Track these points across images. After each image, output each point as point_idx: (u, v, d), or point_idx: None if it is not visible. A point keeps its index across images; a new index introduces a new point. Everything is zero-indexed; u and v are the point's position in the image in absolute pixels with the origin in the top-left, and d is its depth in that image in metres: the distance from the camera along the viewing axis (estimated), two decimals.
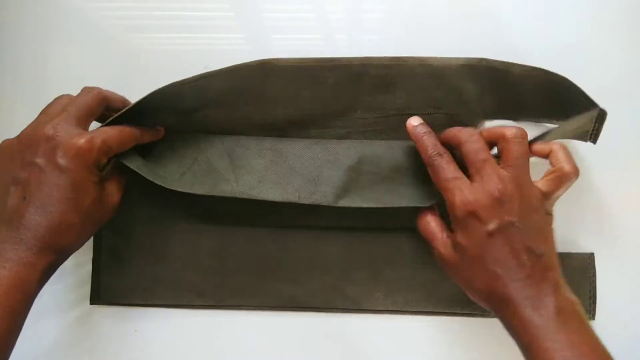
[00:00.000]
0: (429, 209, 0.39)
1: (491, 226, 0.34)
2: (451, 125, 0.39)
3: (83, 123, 0.35)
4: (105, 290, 0.42)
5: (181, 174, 0.40)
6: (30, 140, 0.34)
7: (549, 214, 0.36)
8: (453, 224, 0.36)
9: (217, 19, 0.44)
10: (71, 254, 0.35)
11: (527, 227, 0.34)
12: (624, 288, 0.43)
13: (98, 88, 0.38)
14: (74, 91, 0.43)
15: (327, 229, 0.43)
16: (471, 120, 0.41)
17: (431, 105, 0.41)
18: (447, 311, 0.42)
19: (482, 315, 0.42)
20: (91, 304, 0.43)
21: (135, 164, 0.37)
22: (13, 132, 0.40)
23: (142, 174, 0.37)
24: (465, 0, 0.44)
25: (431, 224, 0.38)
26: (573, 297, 0.34)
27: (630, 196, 0.44)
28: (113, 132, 0.36)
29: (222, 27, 0.44)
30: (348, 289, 0.42)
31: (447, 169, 0.36)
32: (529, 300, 0.33)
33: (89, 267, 0.43)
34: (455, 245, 0.36)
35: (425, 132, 0.38)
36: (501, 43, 0.43)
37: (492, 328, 0.42)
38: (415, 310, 0.42)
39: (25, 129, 0.35)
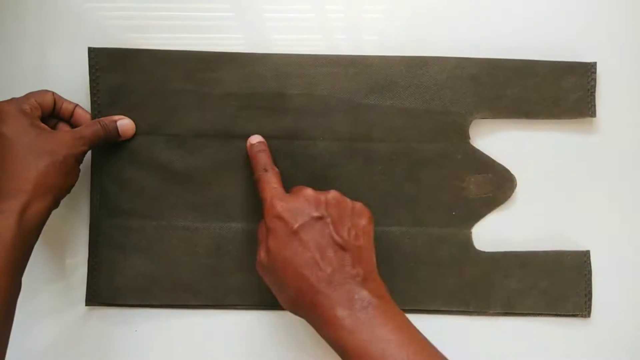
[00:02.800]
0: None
1: (297, 224, 0.34)
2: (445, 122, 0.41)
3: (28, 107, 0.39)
4: (101, 291, 0.42)
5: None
6: None
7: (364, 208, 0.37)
8: (267, 231, 0.36)
9: (217, 19, 0.44)
10: (42, 190, 0.36)
11: (335, 220, 0.35)
12: (619, 286, 0.44)
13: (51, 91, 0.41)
14: (73, 92, 0.43)
15: None
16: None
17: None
18: (443, 309, 0.43)
19: (478, 314, 0.43)
20: (87, 304, 0.43)
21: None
22: None
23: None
24: (465, 0, 0.44)
25: (260, 228, 0.37)
26: (383, 290, 0.34)
27: (627, 194, 0.44)
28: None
29: (222, 27, 0.44)
30: None
31: (270, 181, 0.38)
32: (337, 301, 0.32)
33: (85, 270, 0.43)
34: (268, 251, 0.35)
35: (260, 150, 0.40)
36: (501, 43, 0.44)
37: (487, 326, 0.43)
38: (411, 308, 0.42)
39: None
